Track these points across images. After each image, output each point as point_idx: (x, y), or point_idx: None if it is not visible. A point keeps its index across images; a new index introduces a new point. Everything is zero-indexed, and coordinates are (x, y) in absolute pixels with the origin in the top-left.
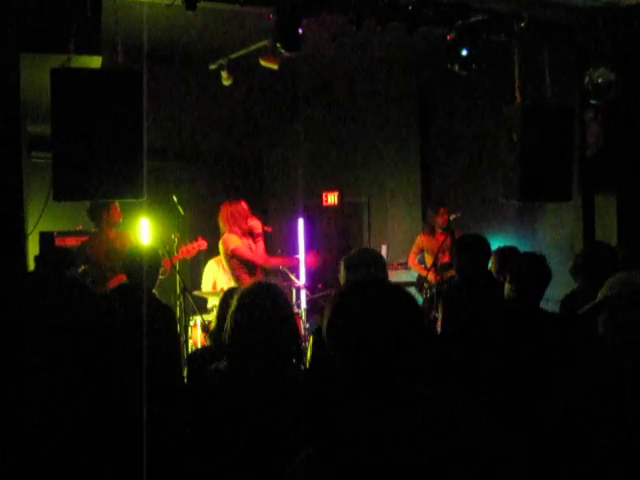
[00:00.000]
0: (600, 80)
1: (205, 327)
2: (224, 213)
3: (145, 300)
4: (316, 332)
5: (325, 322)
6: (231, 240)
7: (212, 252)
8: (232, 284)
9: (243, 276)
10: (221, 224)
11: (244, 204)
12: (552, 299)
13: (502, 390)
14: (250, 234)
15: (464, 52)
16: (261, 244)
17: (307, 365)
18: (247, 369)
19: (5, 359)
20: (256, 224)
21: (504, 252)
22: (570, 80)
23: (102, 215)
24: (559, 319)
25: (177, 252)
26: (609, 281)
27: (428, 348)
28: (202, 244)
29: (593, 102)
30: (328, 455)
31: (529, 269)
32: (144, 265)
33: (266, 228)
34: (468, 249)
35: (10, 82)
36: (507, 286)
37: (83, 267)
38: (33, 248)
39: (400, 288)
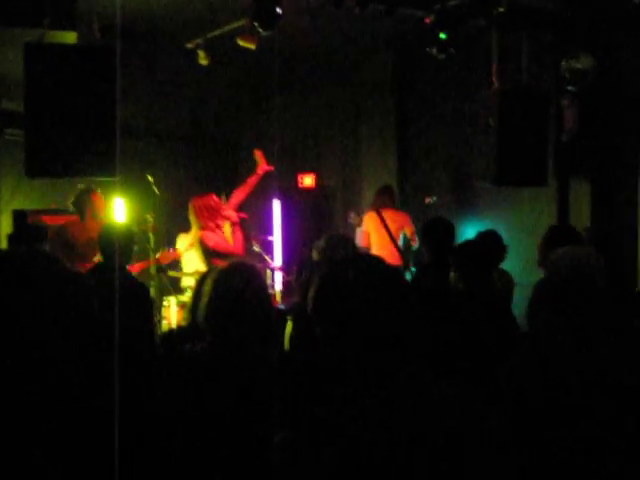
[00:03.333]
0: (577, 66)
1: (182, 304)
2: (196, 208)
3: (118, 277)
4: (295, 313)
5: (311, 295)
6: (209, 237)
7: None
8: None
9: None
10: (193, 219)
11: (215, 197)
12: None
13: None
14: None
15: (442, 35)
16: (239, 234)
17: (284, 346)
18: (222, 350)
19: None
20: (231, 214)
21: (484, 237)
22: (547, 66)
23: (85, 206)
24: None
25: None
26: (556, 256)
27: (411, 324)
28: (178, 255)
29: (570, 88)
30: (307, 441)
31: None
32: (118, 243)
33: (241, 215)
34: (433, 233)
35: None
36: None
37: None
38: (6, 226)
39: (388, 264)
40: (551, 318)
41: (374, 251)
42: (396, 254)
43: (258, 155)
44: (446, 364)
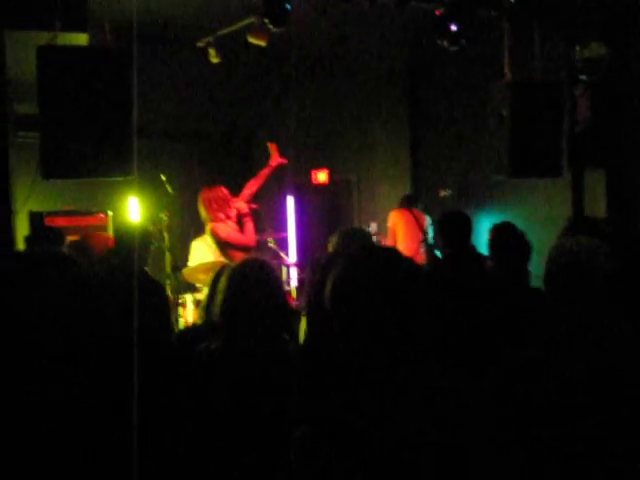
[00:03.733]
0: (590, 56)
1: (198, 302)
2: (205, 200)
3: (136, 277)
4: (309, 308)
5: (329, 289)
6: (220, 229)
7: (198, 232)
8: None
9: (238, 256)
10: (203, 212)
11: (224, 189)
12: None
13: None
14: (238, 217)
15: (454, 27)
16: (250, 225)
17: (300, 342)
18: (238, 347)
19: None
20: (241, 205)
21: (500, 229)
22: (560, 56)
23: None
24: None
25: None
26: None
27: (428, 317)
28: None
29: (582, 78)
30: (323, 435)
31: (508, 242)
32: (135, 243)
33: (252, 206)
34: (450, 226)
35: None
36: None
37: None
38: (23, 228)
39: (404, 256)
40: (551, 311)
41: (401, 246)
42: (424, 248)
43: (272, 148)
44: (462, 358)
